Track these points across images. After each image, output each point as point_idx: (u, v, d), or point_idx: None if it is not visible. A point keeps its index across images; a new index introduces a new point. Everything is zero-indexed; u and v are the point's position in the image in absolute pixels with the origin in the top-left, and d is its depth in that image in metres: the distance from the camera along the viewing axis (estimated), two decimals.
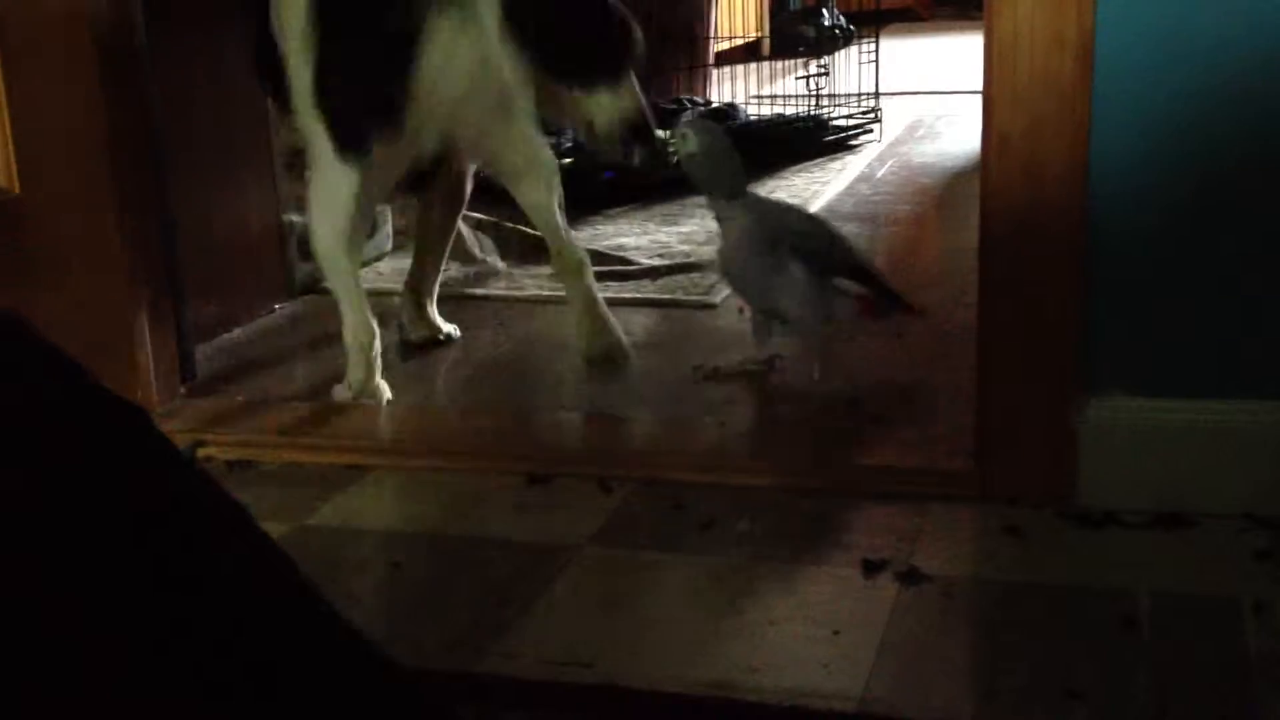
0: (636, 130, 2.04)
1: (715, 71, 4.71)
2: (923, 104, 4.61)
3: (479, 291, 2.52)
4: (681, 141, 1.86)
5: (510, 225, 2.83)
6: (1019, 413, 1.52)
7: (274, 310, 2.46)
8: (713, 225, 2.91)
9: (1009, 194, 1.48)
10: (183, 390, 1.99)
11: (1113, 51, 1.42)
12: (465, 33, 1.87)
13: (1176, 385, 1.48)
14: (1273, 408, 1.45)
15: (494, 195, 2.98)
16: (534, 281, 2.57)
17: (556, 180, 2.05)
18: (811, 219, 2.06)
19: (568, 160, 3.31)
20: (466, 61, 1.88)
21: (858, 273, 1.91)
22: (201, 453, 1.81)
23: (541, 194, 2.03)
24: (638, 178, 3.25)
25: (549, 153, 2.05)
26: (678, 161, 1.92)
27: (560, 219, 2.05)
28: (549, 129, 3.19)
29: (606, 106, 2.02)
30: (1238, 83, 1.40)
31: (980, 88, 1.49)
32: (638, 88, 2.06)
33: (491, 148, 2.02)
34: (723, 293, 2.43)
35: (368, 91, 1.87)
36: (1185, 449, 1.47)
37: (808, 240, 1.89)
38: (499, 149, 2.01)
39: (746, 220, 1.86)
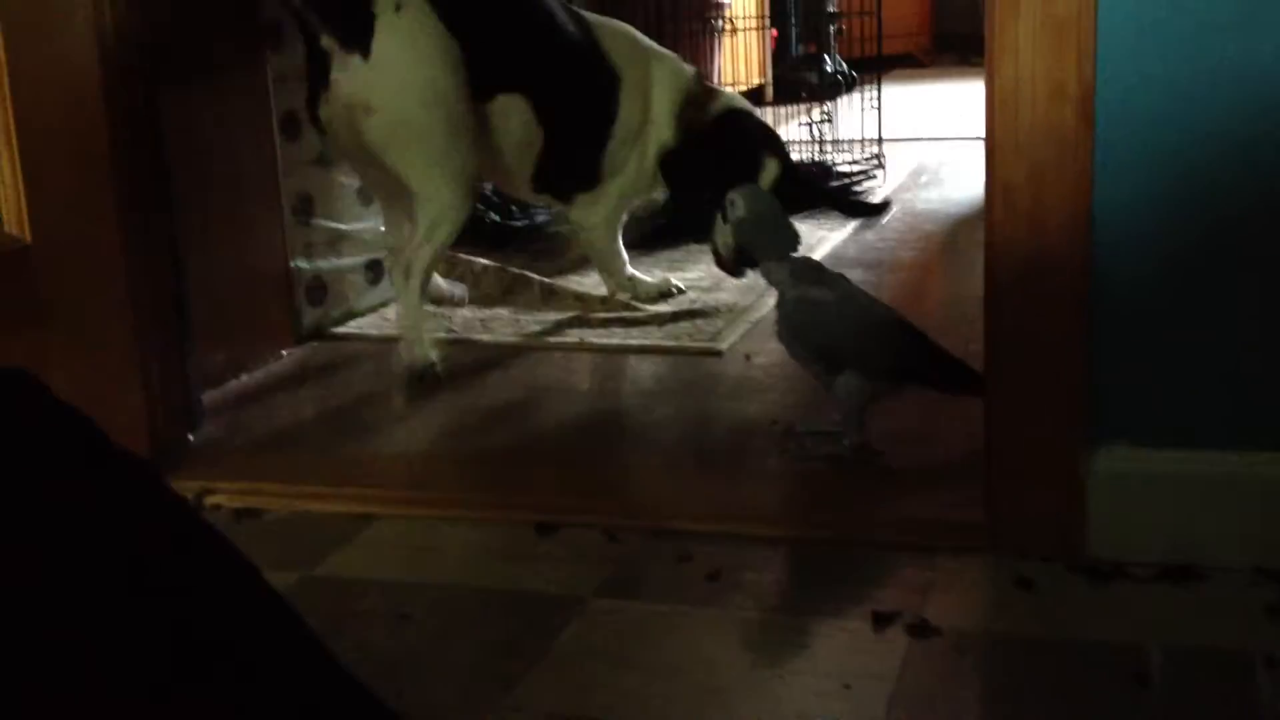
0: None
1: None
2: (926, 150, 4.63)
3: (485, 338, 2.53)
4: (731, 208, 1.86)
5: (517, 271, 2.84)
6: (1027, 464, 1.52)
7: (281, 356, 2.47)
8: (716, 271, 2.93)
9: (1013, 243, 1.49)
10: (190, 437, 1.99)
11: (1114, 100, 1.43)
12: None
13: (1184, 436, 1.48)
14: (1279, 459, 1.45)
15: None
16: (540, 327, 2.58)
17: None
18: (875, 317, 1.83)
19: None
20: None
21: (922, 370, 1.80)
22: (208, 501, 1.81)
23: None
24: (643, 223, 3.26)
25: None
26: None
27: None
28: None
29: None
30: (1240, 131, 1.40)
31: (982, 134, 1.50)
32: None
33: None
34: (729, 339, 2.44)
35: None
36: (1193, 500, 1.47)
37: (864, 350, 1.79)
38: None
39: (798, 292, 1.80)
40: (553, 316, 2.66)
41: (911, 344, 1.81)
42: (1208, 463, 1.46)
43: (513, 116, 2.39)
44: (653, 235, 3.13)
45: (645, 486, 1.82)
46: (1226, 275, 1.44)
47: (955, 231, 3.33)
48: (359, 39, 2.19)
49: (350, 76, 2.20)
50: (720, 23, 4.69)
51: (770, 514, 1.69)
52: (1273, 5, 1.37)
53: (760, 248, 1.84)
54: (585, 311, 2.67)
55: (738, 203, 1.85)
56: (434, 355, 2.30)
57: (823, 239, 3.26)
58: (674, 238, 3.18)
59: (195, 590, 0.85)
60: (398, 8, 2.22)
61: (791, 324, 1.80)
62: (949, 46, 7.80)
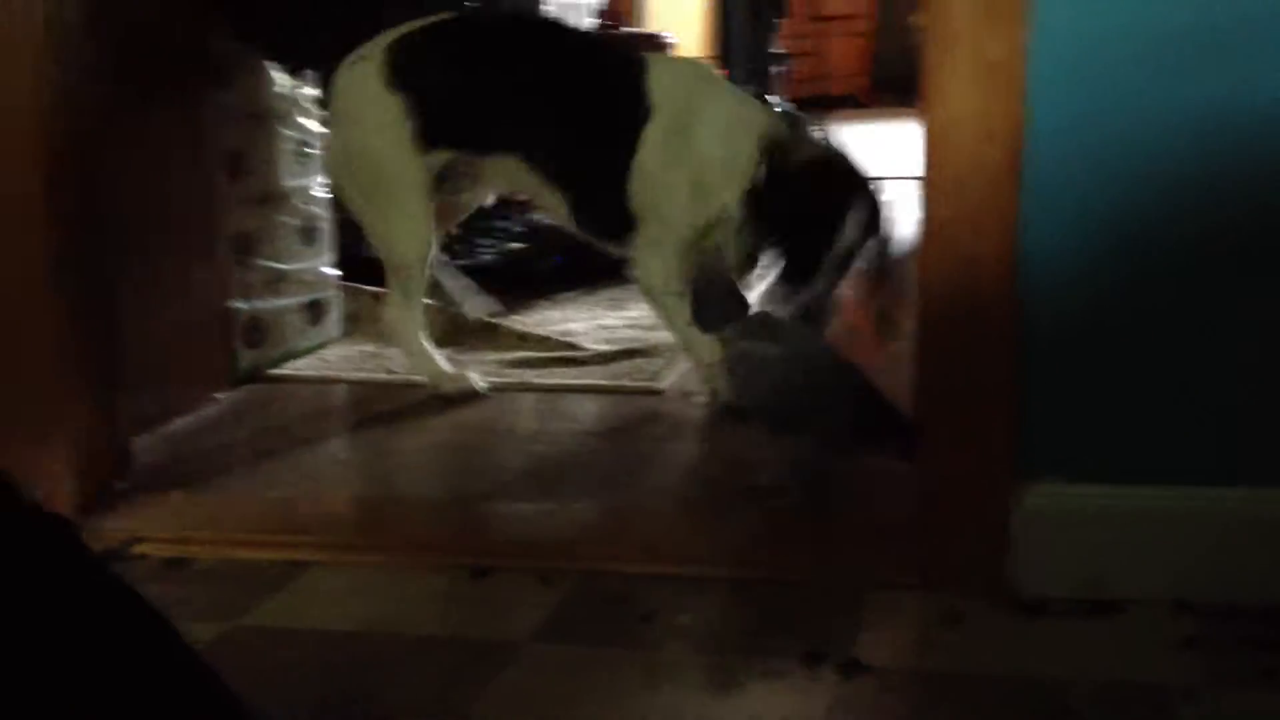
0: None
1: None
2: None
3: (420, 378, 2.51)
4: None
5: (458, 311, 2.83)
6: (956, 499, 1.53)
7: (216, 399, 2.44)
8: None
9: (945, 282, 1.50)
10: (118, 484, 1.96)
11: (1043, 142, 1.45)
12: None
13: (1109, 471, 1.49)
14: (1199, 493, 1.46)
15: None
16: (482, 367, 2.57)
17: None
18: (824, 368, 1.79)
19: (516, 245, 3.34)
20: None
21: (876, 436, 1.76)
22: (137, 550, 1.78)
23: None
24: (586, 263, 3.27)
25: None
26: None
27: None
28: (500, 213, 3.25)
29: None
30: (1166, 171, 1.43)
31: (920, 174, 1.52)
32: None
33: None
34: (670, 378, 2.44)
35: None
36: (1115, 534, 1.49)
37: (814, 411, 1.76)
38: None
39: (763, 348, 1.79)
40: (492, 356, 2.65)
41: (863, 404, 1.74)
42: (1130, 498, 1.48)
43: (509, 172, 2.36)
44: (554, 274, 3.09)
45: (581, 528, 1.81)
46: (1151, 313, 1.46)
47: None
48: (325, 89, 2.39)
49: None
50: None
51: (705, 555, 1.68)
52: (1198, 49, 1.39)
53: (707, 321, 1.86)
54: (528, 351, 2.66)
55: None
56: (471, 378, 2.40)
57: (763, 275, 3.27)
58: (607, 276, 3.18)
59: (104, 653, 0.84)
60: (355, 61, 2.30)
61: (735, 381, 1.79)
62: (889, 87, 7.89)
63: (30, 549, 0.86)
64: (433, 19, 2.38)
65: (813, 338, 1.80)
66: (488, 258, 3.46)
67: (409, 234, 2.35)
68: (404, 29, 2.34)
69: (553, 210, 2.40)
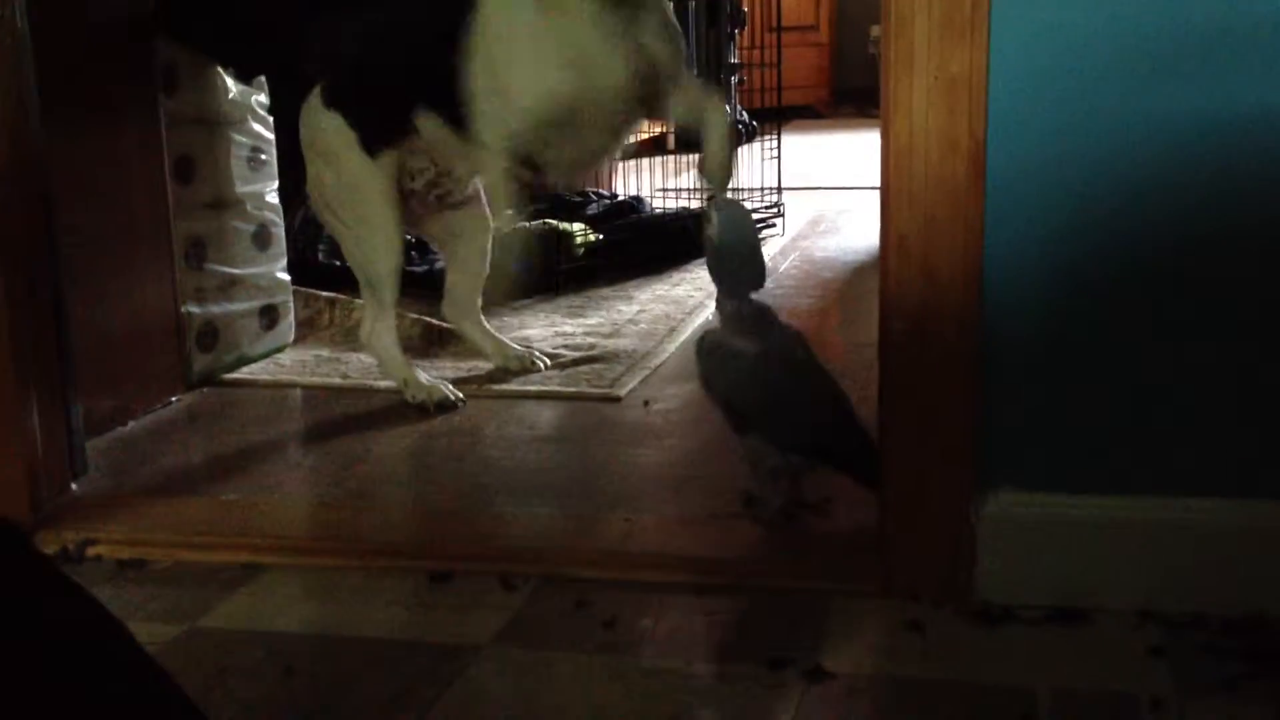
0: None
1: (621, 165, 4.76)
2: (824, 199, 4.70)
3: (381, 384, 2.50)
4: (707, 222, 1.74)
5: (413, 317, 2.82)
6: (918, 509, 1.54)
7: (170, 403, 2.41)
8: (616, 317, 2.94)
9: (907, 293, 1.51)
10: (73, 486, 1.94)
11: (1005, 155, 1.47)
12: None
13: (1071, 481, 1.50)
14: (1163, 503, 1.48)
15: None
16: (437, 374, 2.55)
17: None
18: (794, 385, 1.73)
19: None
20: None
21: (840, 454, 1.73)
22: (91, 551, 1.75)
23: None
24: (544, 270, 3.27)
25: None
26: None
27: None
28: None
29: None
30: (1126, 184, 1.44)
31: (879, 184, 1.53)
32: None
33: None
34: (629, 385, 2.44)
35: None
36: (1079, 544, 1.50)
37: (772, 416, 1.71)
38: None
39: (719, 338, 1.73)
40: (449, 363, 2.64)
41: (833, 423, 1.71)
42: (1093, 507, 1.49)
43: (440, 141, 2.36)
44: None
45: (541, 533, 1.80)
46: (1112, 324, 1.48)
47: (852, 279, 3.38)
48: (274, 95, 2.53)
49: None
50: None
51: (666, 560, 1.68)
52: (1160, 61, 1.41)
53: (720, 278, 1.74)
54: (483, 358, 2.65)
55: (713, 220, 1.73)
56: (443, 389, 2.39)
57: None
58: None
59: (57, 658, 0.82)
60: (309, 100, 2.43)
61: (704, 368, 1.77)
62: (848, 99, 7.95)
63: None
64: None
65: (798, 342, 1.76)
66: (442, 264, 3.45)
67: (379, 246, 2.37)
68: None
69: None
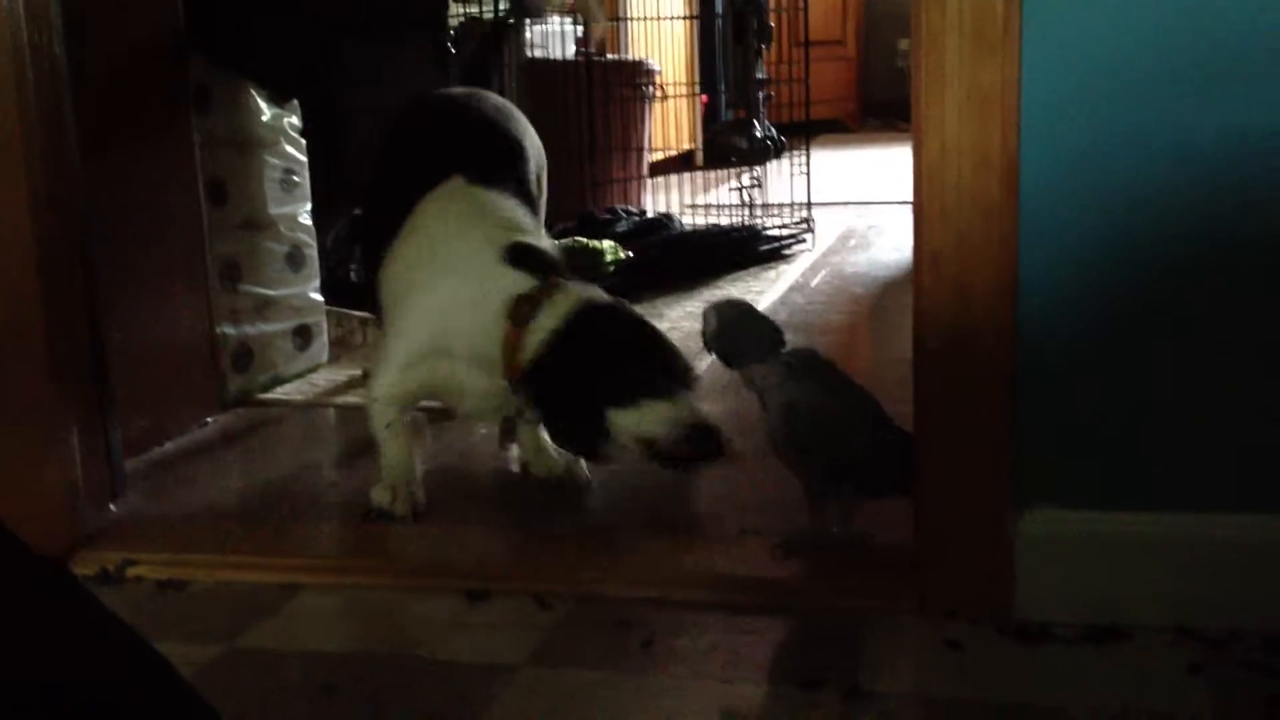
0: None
1: (650, 182, 4.78)
2: (854, 214, 4.70)
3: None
4: (705, 323, 1.74)
5: None
6: (955, 526, 1.53)
7: (206, 424, 2.43)
8: None
9: (940, 309, 1.51)
10: (112, 507, 1.95)
11: (1038, 171, 1.46)
12: None
13: (1108, 497, 1.50)
14: (1200, 519, 1.47)
15: None
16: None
17: None
18: (883, 433, 1.69)
19: None
20: None
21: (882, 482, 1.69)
22: (131, 572, 1.77)
23: None
24: None
25: None
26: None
27: None
28: None
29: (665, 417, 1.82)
30: (1160, 199, 1.44)
31: (909, 199, 1.53)
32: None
33: None
34: None
35: None
36: (1117, 561, 1.49)
37: (871, 468, 1.69)
38: None
39: (787, 396, 1.67)
40: None
41: (902, 454, 1.65)
42: (1131, 524, 1.49)
43: None
44: None
45: (578, 552, 1.81)
46: (1147, 340, 1.47)
47: (883, 295, 3.37)
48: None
49: None
50: (651, 89, 4.75)
51: (703, 579, 1.68)
52: (1190, 77, 1.41)
53: (738, 355, 1.72)
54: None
55: (710, 318, 1.73)
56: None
57: (752, 302, 3.28)
58: None
59: (98, 697, 0.82)
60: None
61: (782, 433, 1.68)
62: (875, 112, 7.96)
63: (16, 594, 0.85)
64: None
65: (849, 380, 1.73)
66: None
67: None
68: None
69: None
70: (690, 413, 1.82)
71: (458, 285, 1.92)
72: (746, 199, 4.08)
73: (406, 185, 2.07)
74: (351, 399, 2.55)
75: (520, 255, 1.93)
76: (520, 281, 1.89)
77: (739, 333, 1.73)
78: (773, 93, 5.63)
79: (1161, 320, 1.47)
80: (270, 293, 2.62)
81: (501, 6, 4.09)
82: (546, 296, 1.87)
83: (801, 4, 4.39)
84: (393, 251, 2.02)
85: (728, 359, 1.74)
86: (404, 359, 1.95)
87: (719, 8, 4.99)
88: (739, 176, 4.28)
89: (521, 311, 1.86)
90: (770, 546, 1.73)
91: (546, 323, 1.84)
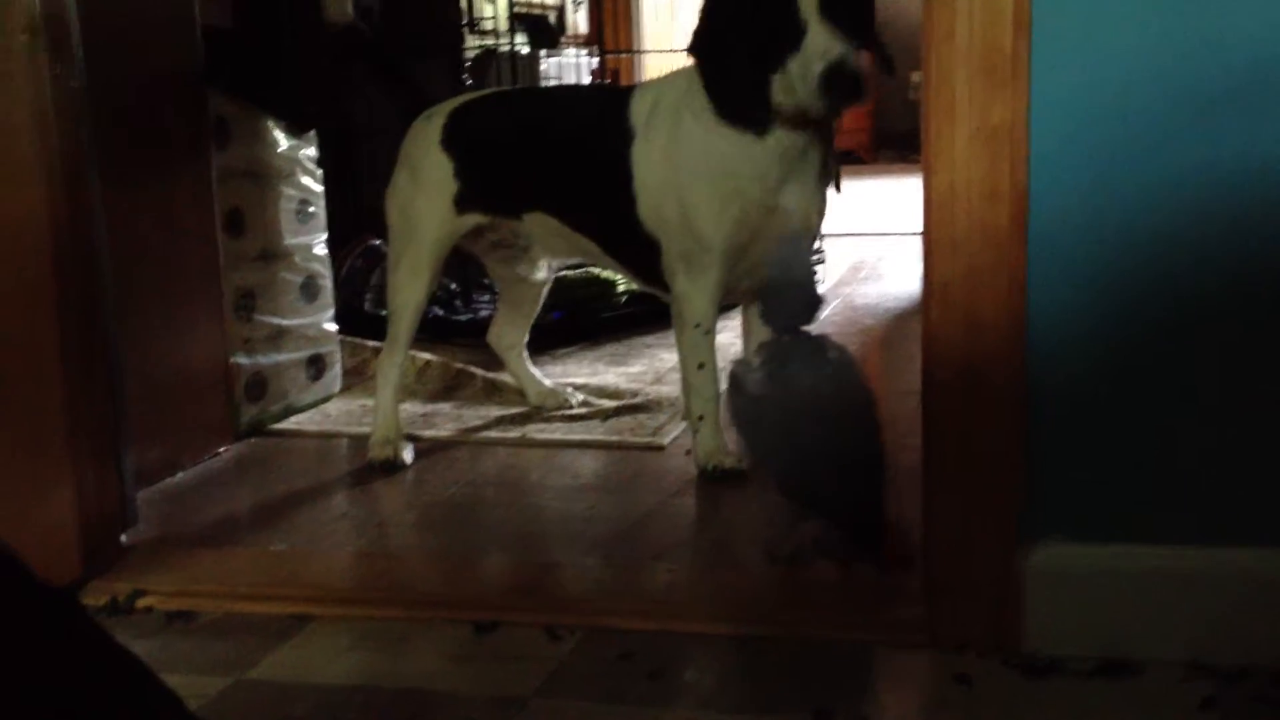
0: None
1: None
2: (865, 245, 4.70)
3: (427, 433, 2.52)
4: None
5: (460, 366, 2.85)
6: (965, 558, 1.53)
7: (218, 453, 2.44)
8: (659, 365, 2.94)
9: (950, 341, 1.51)
10: (123, 538, 1.96)
11: (1047, 204, 1.47)
12: None
13: (1118, 530, 1.49)
14: (1211, 553, 1.46)
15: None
16: (482, 422, 2.57)
17: None
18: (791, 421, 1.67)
19: None
20: None
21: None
22: (141, 603, 1.77)
23: None
24: (586, 318, 3.29)
25: None
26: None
27: None
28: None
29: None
30: (1167, 233, 1.44)
31: (920, 230, 1.53)
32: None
33: None
34: (672, 434, 2.44)
35: None
36: (1127, 594, 1.48)
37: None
38: None
39: (772, 383, 1.68)
40: (495, 412, 2.65)
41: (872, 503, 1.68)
42: (1141, 557, 1.48)
43: (548, 229, 2.38)
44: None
45: (587, 583, 1.81)
46: (1157, 372, 1.47)
47: (894, 326, 3.37)
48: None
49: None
50: None
51: (711, 611, 1.68)
52: (1198, 110, 1.41)
53: (768, 312, 1.72)
54: (528, 406, 2.67)
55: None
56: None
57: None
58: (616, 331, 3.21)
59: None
60: (428, 118, 2.43)
61: (736, 425, 1.72)
62: (888, 144, 7.97)
63: (25, 625, 0.85)
64: (485, 91, 2.64)
65: (845, 384, 1.70)
66: (485, 314, 3.48)
67: (407, 283, 2.40)
68: (466, 97, 2.52)
69: (601, 262, 2.45)
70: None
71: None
72: None
73: None
74: (363, 429, 2.56)
75: None
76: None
77: (773, 305, 1.71)
78: None
79: (1171, 352, 1.46)
80: (285, 322, 2.64)
81: (518, 38, 4.11)
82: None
83: None
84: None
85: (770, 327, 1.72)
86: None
87: None
88: None
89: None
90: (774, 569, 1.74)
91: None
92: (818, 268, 3.77)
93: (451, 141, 2.38)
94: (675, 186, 2.14)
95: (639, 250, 2.24)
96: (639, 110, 2.22)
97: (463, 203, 2.37)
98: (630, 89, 2.34)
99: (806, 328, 1.71)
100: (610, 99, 2.37)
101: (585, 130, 2.30)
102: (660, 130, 2.17)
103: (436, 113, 2.43)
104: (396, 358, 2.43)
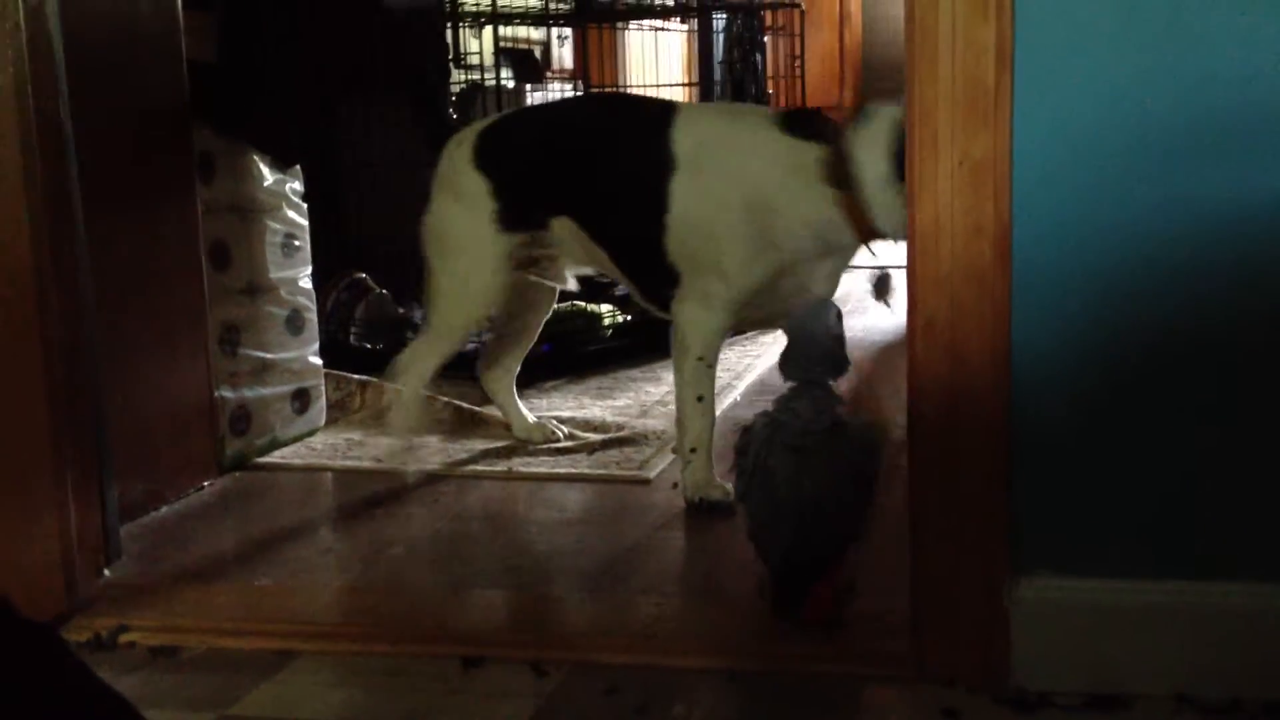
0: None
1: None
2: (849, 278, 4.70)
3: (412, 467, 2.51)
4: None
5: (443, 400, 2.84)
6: (951, 593, 1.53)
7: (203, 487, 2.43)
8: (645, 398, 2.94)
9: (935, 376, 1.52)
10: (106, 572, 1.95)
11: (1030, 239, 1.48)
12: None
13: (1105, 565, 1.50)
14: (1199, 587, 1.47)
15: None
16: (468, 456, 2.57)
17: None
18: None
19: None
20: None
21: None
22: (124, 638, 1.76)
23: None
24: (573, 352, 3.29)
25: None
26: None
27: None
28: None
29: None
30: (1150, 268, 1.45)
31: (905, 263, 1.54)
32: None
33: None
34: (658, 467, 2.44)
35: None
36: (1115, 629, 1.49)
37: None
38: None
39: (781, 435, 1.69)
40: (480, 445, 2.65)
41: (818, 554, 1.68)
42: (1129, 591, 1.48)
43: (570, 236, 2.40)
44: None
45: (572, 618, 1.80)
46: (1141, 406, 1.48)
47: (879, 359, 3.38)
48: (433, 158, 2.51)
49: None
50: None
51: (698, 645, 1.67)
52: (1178, 148, 1.42)
53: (788, 365, 1.75)
54: (513, 440, 2.67)
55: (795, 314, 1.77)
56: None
57: (749, 366, 3.29)
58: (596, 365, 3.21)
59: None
60: (459, 142, 2.45)
61: (741, 482, 1.74)
62: None
63: (6, 660, 0.85)
64: (510, 111, 2.70)
65: (840, 443, 1.70)
66: (473, 346, 3.47)
67: (455, 305, 2.43)
68: (494, 117, 2.55)
69: (611, 272, 2.46)
70: None
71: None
72: None
73: None
74: (348, 463, 2.56)
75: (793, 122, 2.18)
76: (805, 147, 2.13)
77: (798, 344, 1.74)
78: None
79: (1155, 386, 1.47)
80: (269, 356, 2.63)
81: (503, 73, 4.13)
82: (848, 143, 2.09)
83: (799, 71, 4.44)
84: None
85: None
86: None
87: (717, 75, 5.05)
88: None
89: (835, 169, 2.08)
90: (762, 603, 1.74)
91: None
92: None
93: (486, 161, 2.39)
94: (713, 224, 2.16)
95: (655, 275, 2.26)
96: (684, 142, 2.22)
97: (502, 220, 2.38)
98: (670, 111, 2.32)
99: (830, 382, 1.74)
100: (649, 122, 2.30)
101: (622, 149, 2.32)
102: (710, 170, 2.18)
103: (465, 135, 2.46)
104: (433, 362, 2.46)
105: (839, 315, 1.80)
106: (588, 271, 2.67)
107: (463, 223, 2.41)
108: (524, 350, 2.69)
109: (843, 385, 1.80)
